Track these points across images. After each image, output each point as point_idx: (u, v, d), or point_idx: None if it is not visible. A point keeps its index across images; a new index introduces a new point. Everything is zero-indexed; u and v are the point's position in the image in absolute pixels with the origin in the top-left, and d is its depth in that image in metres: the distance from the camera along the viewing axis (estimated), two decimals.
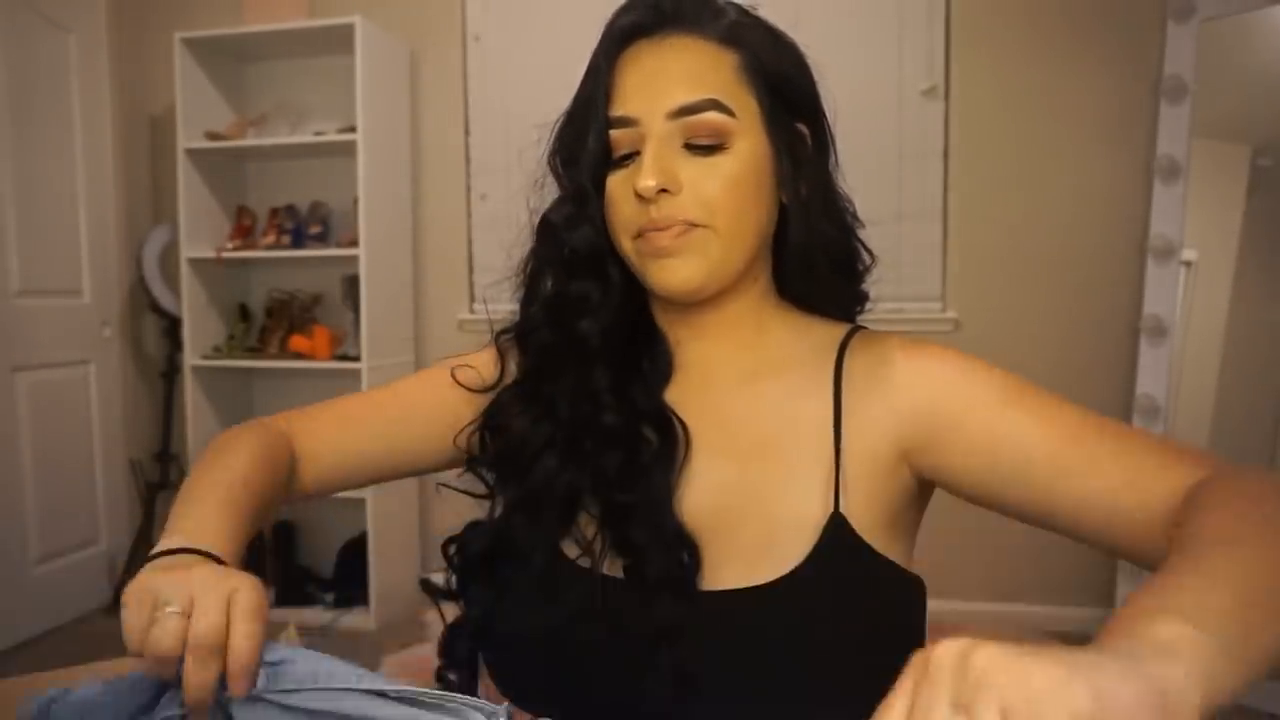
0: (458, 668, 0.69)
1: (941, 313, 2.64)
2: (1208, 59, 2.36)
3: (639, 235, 0.65)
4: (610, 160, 0.67)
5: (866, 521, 0.62)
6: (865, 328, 0.72)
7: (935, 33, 2.64)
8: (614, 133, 0.66)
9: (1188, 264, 2.42)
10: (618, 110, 0.65)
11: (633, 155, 0.65)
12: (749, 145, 0.65)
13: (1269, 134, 2.47)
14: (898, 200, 2.65)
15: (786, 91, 0.68)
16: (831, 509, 0.62)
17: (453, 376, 0.75)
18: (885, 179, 2.64)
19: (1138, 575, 2.39)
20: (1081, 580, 2.61)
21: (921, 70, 2.65)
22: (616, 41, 0.67)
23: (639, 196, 0.63)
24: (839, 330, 0.71)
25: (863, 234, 0.73)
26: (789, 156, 0.67)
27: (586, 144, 0.66)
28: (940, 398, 0.63)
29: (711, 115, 0.63)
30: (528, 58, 2.87)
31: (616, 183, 0.66)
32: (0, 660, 2.50)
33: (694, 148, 0.64)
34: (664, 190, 0.63)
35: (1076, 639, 2.51)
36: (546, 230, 0.71)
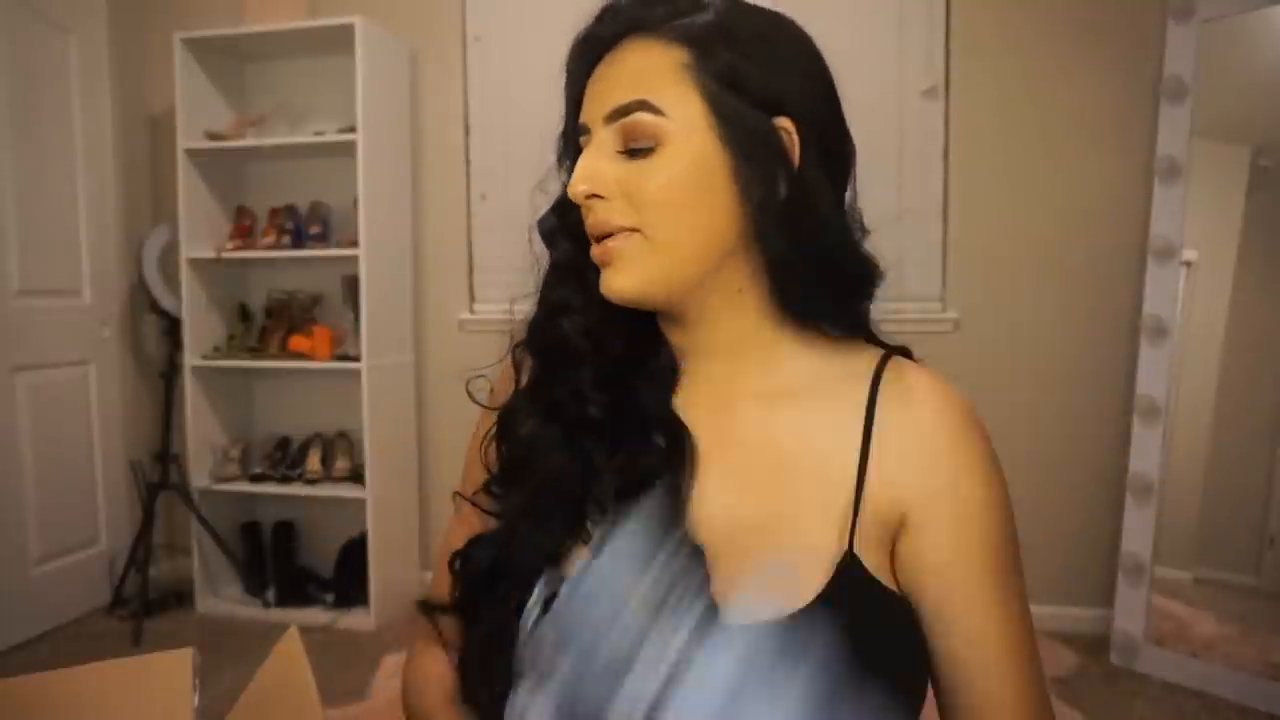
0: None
1: (942, 313, 2.64)
2: (1208, 59, 2.36)
3: (596, 242, 0.65)
4: None
5: (876, 561, 0.61)
6: (895, 354, 0.68)
7: (935, 33, 2.64)
8: (582, 140, 0.66)
9: (1188, 264, 2.42)
10: (581, 119, 0.66)
11: None
12: (687, 147, 0.61)
13: (1269, 134, 2.47)
14: (898, 200, 2.65)
15: (753, 87, 0.62)
16: (846, 547, 0.60)
17: (469, 395, 0.76)
18: (885, 179, 2.64)
19: (1138, 576, 2.39)
20: (1081, 580, 2.61)
21: (921, 70, 2.65)
22: (580, 59, 0.67)
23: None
24: (869, 357, 0.67)
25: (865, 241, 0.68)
26: (750, 159, 0.62)
27: (568, 157, 0.69)
28: (947, 507, 0.62)
29: (640, 116, 0.61)
30: (528, 58, 2.87)
31: None
32: (0, 660, 2.50)
33: (630, 152, 0.63)
34: (597, 196, 0.63)
35: (1076, 639, 2.52)
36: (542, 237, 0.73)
